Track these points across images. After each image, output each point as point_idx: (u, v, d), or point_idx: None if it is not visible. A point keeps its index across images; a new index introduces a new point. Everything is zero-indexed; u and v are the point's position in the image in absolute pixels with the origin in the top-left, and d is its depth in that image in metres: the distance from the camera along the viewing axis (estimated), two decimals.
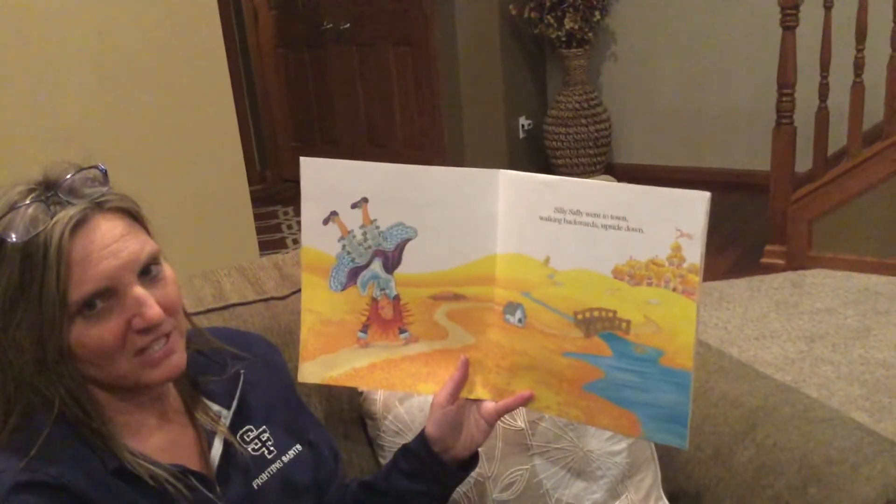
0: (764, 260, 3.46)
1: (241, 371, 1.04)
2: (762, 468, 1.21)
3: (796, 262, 3.37)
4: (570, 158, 4.65)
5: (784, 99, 3.27)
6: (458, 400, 1.03)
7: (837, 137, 3.35)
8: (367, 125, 4.94)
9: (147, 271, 0.88)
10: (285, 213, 4.66)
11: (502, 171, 0.98)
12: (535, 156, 4.78)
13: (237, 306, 1.25)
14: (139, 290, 0.86)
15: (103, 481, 0.86)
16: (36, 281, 0.82)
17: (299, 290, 1.29)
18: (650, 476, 1.24)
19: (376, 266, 1.02)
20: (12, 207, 0.83)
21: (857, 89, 3.18)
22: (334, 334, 1.05)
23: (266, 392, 1.07)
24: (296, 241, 4.12)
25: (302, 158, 1.01)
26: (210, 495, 0.94)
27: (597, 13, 4.38)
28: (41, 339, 0.83)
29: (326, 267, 1.03)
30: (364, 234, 1.01)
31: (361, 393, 1.26)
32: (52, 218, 0.83)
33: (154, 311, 0.86)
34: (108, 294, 0.85)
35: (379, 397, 1.24)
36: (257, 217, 3.22)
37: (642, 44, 4.58)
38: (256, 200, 3.58)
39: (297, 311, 1.28)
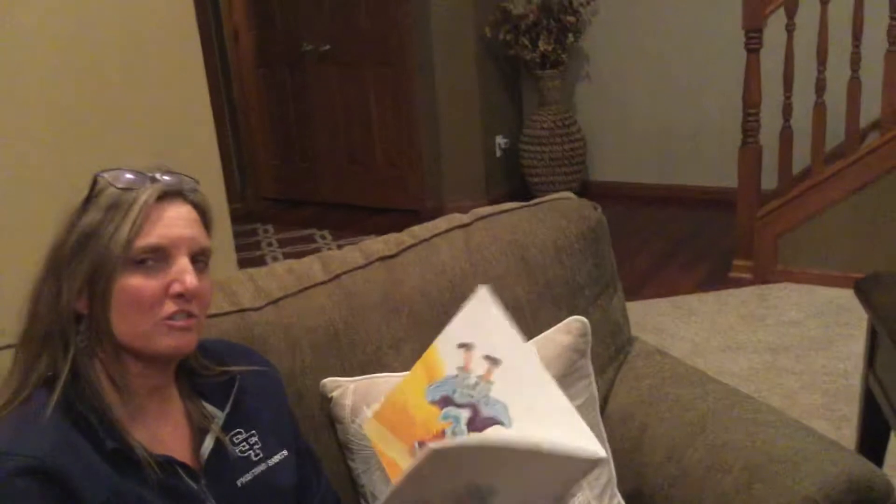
0: (732, 274, 3.56)
1: (237, 377, 1.12)
2: (711, 468, 1.28)
3: (763, 276, 3.47)
4: (545, 176, 4.75)
5: (749, 118, 3.38)
6: None
7: (805, 156, 3.46)
8: (347, 144, 5.01)
9: (196, 260, 1.00)
10: (265, 231, 4.72)
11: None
12: (511, 174, 4.87)
13: (212, 317, 1.30)
14: (186, 261, 0.98)
15: (92, 465, 0.92)
16: (114, 223, 0.96)
17: (272, 302, 1.38)
18: (605, 475, 1.31)
19: (464, 414, 1.08)
20: (121, 169, 1.00)
21: (819, 109, 3.29)
22: (403, 424, 1.12)
23: (258, 400, 1.14)
24: (275, 259, 4.17)
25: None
26: (194, 486, 1.01)
27: (570, 36, 4.50)
28: (94, 276, 0.95)
29: (435, 374, 1.11)
30: (477, 383, 1.07)
31: (331, 398, 1.32)
32: (149, 183, 1.00)
33: (193, 280, 0.97)
34: (162, 255, 0.97)
35: (348, 402, 1.30)
36: (237, 234, 3.28)
37: (614, 65, 4.70)
38: (236, 218, 3.65)
39: (270, 322, 1.36)
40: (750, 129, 3.40)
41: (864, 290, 1.74)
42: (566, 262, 1.53)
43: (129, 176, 1.00)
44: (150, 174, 1.01)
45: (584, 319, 1.35)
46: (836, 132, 3.36)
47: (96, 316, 0.97)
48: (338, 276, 1.44)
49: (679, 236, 4.15)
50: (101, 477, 0.94)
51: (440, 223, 1.56)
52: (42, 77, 2.25)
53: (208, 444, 1.07)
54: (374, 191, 4.88)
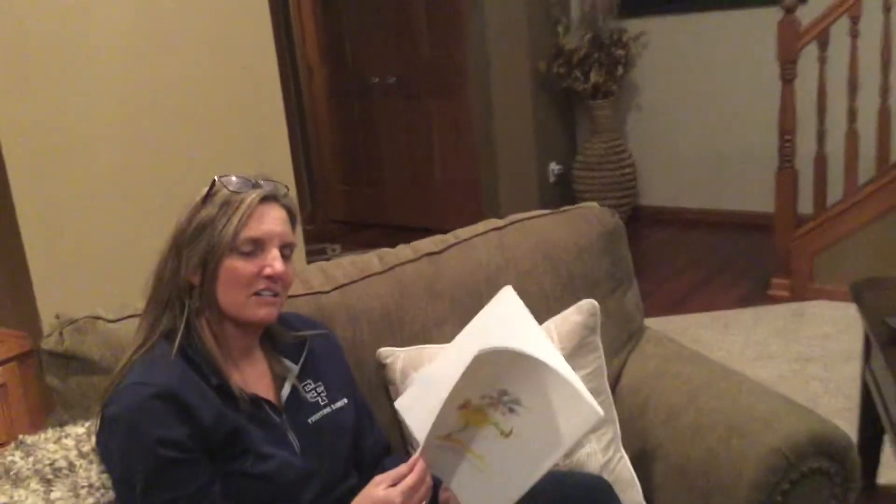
0: (770, 292, 3.74)
1: (307, 340, 1.42)
2: (700, 427, 1.53)
3: (800, 293, 3.64)
4: (597, 201, 4.96)
5: (785, 144, 3.59)
6: None
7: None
8: (410, 170, 5.35)
9: (284, 251, 1.30)
10: (332, 250, 5.07)
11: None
12: (565, 199, 5.12)
13: (290, 298, 1.61)
14: (276, 252, 1.29)
15: (204, 394, 1.23)
16: (226, 217, 1.26)
17: (338, 287, 1.68)
18: (611, 432, 1.57)
19: None
20: (232, 175, 1.31)
21: (851, 136, 3.48)
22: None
23: (323, 358, 1.45)
24: None
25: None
26: (277, 419, 1.32)
27: (620, 68, 4.76)
28: (206, 259, 1.26)
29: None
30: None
31: (385, 365, 1.61)
32: (253, 189, 1.29)
33: (280, 266, 1.28)
34: (259, 245, 1.27)
35: (399, 367, 1.59)
36: (307, 253, 3.64)
37: (662, 95, 4.94)
38: (307, 239, 4.01)
39: (336, 303, 1.66)
40: (786, 153, 3.60)
41: (858, 292, 1.96)
42: (586, 260, 1.80)
43: (238, 181, 1.31)
44: (254, 180, 1.32)
45: (595, 302, 1.61)
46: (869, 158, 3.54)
47: (206, 287, 1.28)
48: (392, 268, 1.73)
49: (723, 257, 4.35)
50: (210, 403, 1.25)
51: (479, 226, 1.85)
52: (129, 112, 2.61)
53: (286, 389, 1.37)
54: (434, 214, 5.20)
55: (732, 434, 1.46)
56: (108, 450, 1.27)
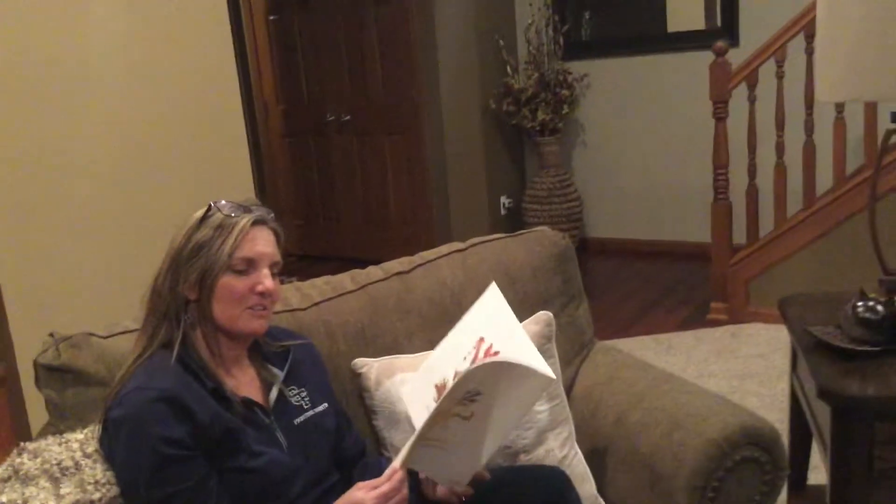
0: (710, 316, 3.97)
1: (291, 350, 1.56)
2: (645, 425, 1.70)
3: (736, 316, 3.88)
4: None
5: (719, 178, 3.85)
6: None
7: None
8: (364, 205, 5.51)
9: (273, 270, 1.45)
10: (289, 282, 5.17)
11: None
12: (515, 230, 5.30)
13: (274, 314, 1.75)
14: (266, 270, 1.43)
15: (201, 397, 1.36)
16: (221, 239, 1.39)
17: (315, 304, 1.82)
18: (566, 430, 1.73)
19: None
20: (226, 201, 1.45)
21: (779, 170, 3.75)
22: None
23: (305, 366, 1.59)
24: None
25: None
26: (266, 420, 1.45)
27: (565, 107, 5.02)
28: (203, 277, 1.39)
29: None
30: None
31: (360, 374, 1.75)
32: (245, 213, 1.42)
33: (270, 283, 1.42)
34: (251, 265, 1.41)
35: (373, 376, 1.74)
36: None
37: (606, 132, 5.21)
38: None
39: (314, 319, 1.80)
40: (720, 187, 3.86)
41: (783, 306, 2.17)
42: (540, 278, 1.98)
43: (231, 206, 1.45)
44: (246, 205, 1.47)
45: (550, 313, 1.79)
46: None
47: (203, 302, 1.42)
48: (364, 287, 1.89)
49: (665, 284, 4.59)
50: (207, 405, 1.37)
51: (443, 248, 2.02)
52: (105, 146, 2.74)
53: (274, 393, 1.51)
54: (389, 247, 5.34)
55: (674, 429, 1.64)
56: (112, 451, 1.38)
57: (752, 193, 3.84)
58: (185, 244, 1.43)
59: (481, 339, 1.49)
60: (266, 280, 1.42)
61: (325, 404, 1.57)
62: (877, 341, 1.78)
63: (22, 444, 1.50)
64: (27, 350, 2.39)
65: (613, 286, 4.71)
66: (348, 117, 5.41)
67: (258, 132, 5.77)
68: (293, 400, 1.53)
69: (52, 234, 2.61)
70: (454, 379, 1.31)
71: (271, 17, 5.61)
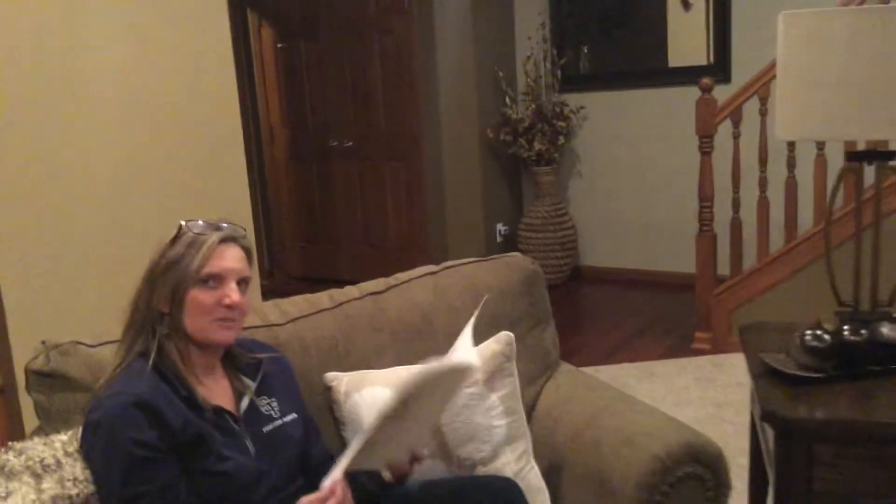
0: (694, 345, 4.06)
1: (263, 361, 1.67)
2: (598, 441, 1.80)
3: (719, 346, 3.97)
4: (541, 261, 5.28)
5: (704, 211, 3.96)
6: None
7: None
8: (364, 229, 5.64)
9: (240, 284, 1.54)
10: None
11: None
12: None
13: (250, 328, 1.86)
14: (234, 285, 1.53)
15: (174, 403, 1.47)
16: (190, 256, 1.50)
17: (292, 320, 1.93)
18: (522, 445, 1.83)
19: None
20: (196, 220, 1.55)
21: (762, 203, 3.86)
22: None
23: (276, 378, 1.69)
24: None
25: None
26: (237, 427, 1.56)
27: (561, 138, 5.15)
28: (174, 291, 1.50)
29: None
30: None
31: (330, 387, 1.86)
32: (214, 231, 1.52)
33: (237, 297, 1.52)
34: (219, 279, 1.51)
35: (343, 389, 1.84)
36: None
37: (600, 163, 5.34)
38: (264, 294, 4.23)
39: (290, 334, 1.91)
40: (705, 219, 3.97)
41: (743, 334, 2.27)
42: (508, 301, 2.08)
43: (201, 224, 1.56)
44: (215, 224, 1.58)
45: (511, 334, 1.89)
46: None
47: (174, 315, 1.52)
48: (340, 304, 2.00)
49: (654, 314, 4.68)
50: (178, 411, 1.48)
51: (416, 271, 2.13)
52: (110, 168, 2.88)
53: (245, 402, 1.61)
54: (387, 270, 5.44)
55: (623, 445, 1.74)
56: (90, 451, 1.49)
57: (736, 226, 3.94)
58: (158, 261, 1.54)
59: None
60: (233, 294, 1.52)
61: (294, 414, 1.67)
62: (822, 368, 1.88)
63: (9, 443, 1.61)
64: (25, 361, 2.51)
65: (603, 313, 4.81)
66: (350, 143, 5.56)
67: (263, 155, 5.93)
68: (263, 409, 1.64)
69: (52, 249, 2.74)
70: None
71: (279, 45, 5.78)
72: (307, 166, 5.86)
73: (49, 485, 1.48)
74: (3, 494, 1.46)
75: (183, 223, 1.57)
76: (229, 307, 1.52)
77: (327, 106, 5.64)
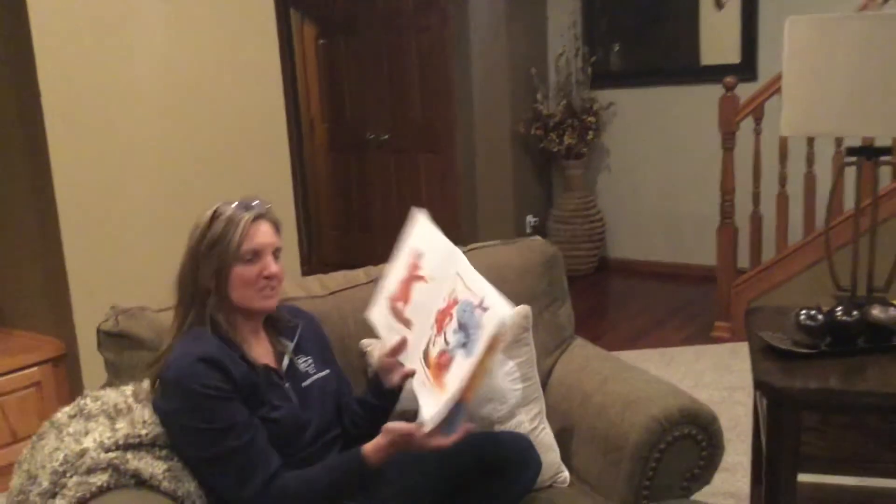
0: (713, 334, 4.22)
1: (299, 325, 1.88)
2: (604, 406, 1.99)
3: (738, 335, 4.11)
4: (569, 252, 5.48)
5: (726, 204, 4.11)
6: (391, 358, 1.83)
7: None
8: (398, 218, 5.84)
9: (276, 255, 1.74)
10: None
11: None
12: None
13: (296, 299, 2.08)
14: (270, 257, 1.72)
15: (234, 359, 1.69)
16: (229, 235, 1.67)
17: (331, 293, 2.15)
18: (536, 407, 2.03)
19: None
20: (229, 202, 1.72)
21: (781, 198, 4.00)
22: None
23: (310, 339, 1.90)
24: None
25: None
26: (280, 382, 1.77)
27: (590, 133, 5.32)
28: (219, 268, 1.69)
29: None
30: None
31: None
32: (246, 211, 1.70)
33: (275, 268, 1.72)
34: (257, 254, 1.70)
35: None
36: None
37: (628, 158, 5.50)
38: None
39: (329, 304, 2.13)
40: (726, 212, 4.12)
41: (748, 316, 2.44)
42: (528, 279, 2.28)
43: (235, 205, 1.73)
44: (246, 203, 1.74)
45: (528, 307, 2.09)
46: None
47: (221, 290, 1.71)
48: (374, 280, 2.21)
49: (676, 304, 4.84)
50: (238, 365, 1.70)
51: None
52: (160, 157, 3.12)
53: (285, 361, 1.82)
54: None
55: (626, 409, 1.93)
56: (167, 406, 1.67)
57: (756, 220, 4.09)
58: (200, 242, 1.71)
59: (457, 276, 1.83)
60: (271, 265, 1.71)
61: (328, 370, 1.88)
62: (815, 345, 2.05)
63: (86, 391, 1.85)
64: (87, 332, 2.75)
65: (627, 302, 4.98)
66: (387, 136, 5.77)
67: (303, 147, 6.18)
68: (301, 366, 1.84)
69: (113, 232, 2.99)
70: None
71: (320, 41, 6.02)
72: (345, 158, 6.08)
73: (121, 425, 1.71)
74: (84, 432, 1.69)
75: (218, 206, 1.74)
76: (269, 277, 1.71)
77: (365, 100, 5.87)
